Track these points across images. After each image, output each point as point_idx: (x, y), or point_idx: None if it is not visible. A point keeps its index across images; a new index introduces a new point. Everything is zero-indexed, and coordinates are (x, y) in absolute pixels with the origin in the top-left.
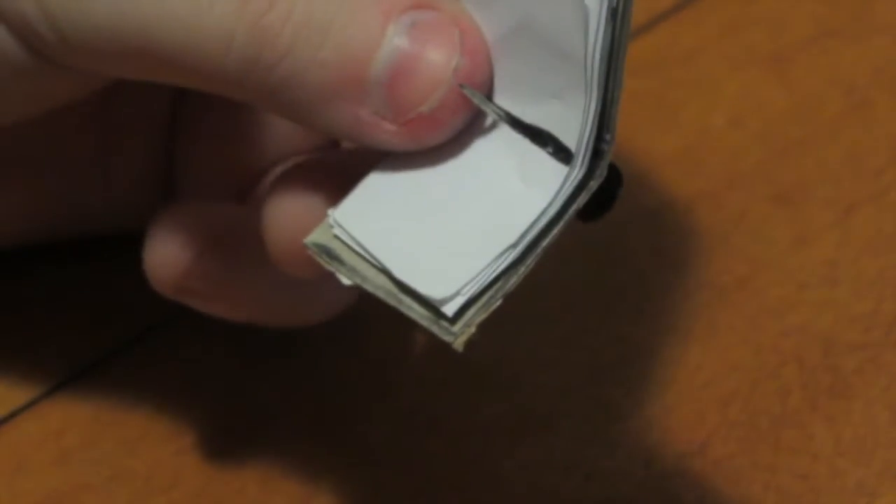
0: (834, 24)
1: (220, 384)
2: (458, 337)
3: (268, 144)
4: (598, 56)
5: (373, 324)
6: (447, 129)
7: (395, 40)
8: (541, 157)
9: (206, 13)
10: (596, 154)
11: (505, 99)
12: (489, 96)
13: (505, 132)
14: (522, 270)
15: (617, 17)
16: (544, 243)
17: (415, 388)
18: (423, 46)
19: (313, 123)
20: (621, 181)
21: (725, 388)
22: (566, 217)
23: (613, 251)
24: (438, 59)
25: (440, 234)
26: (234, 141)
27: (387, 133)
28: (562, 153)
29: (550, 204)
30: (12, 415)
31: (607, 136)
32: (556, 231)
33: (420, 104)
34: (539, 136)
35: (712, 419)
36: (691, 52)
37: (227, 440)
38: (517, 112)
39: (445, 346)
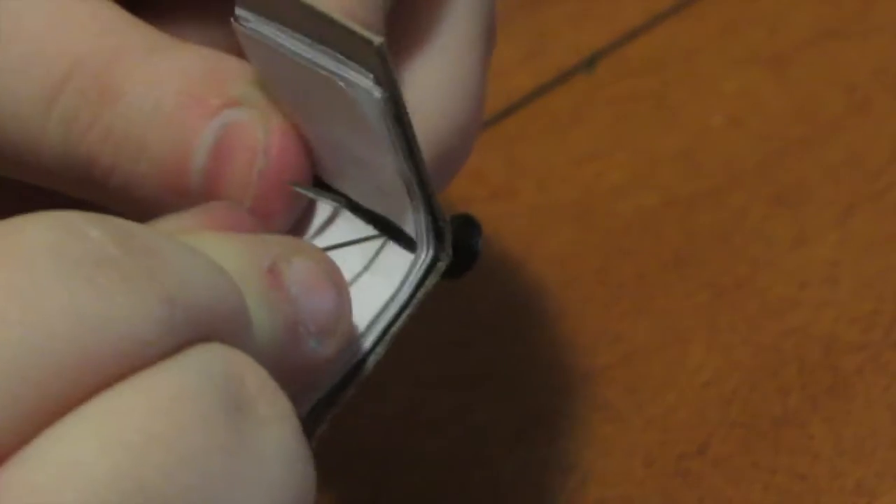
0: (834, 24)
1: None
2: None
3: None
4: (402, 158)
5: None
6: (273, 226)
7: (207, 142)
8: (382, 245)
9: (38, 138)
10: (437, 236)
11: (348, 190)
12: (332, 185)
13: (347, 221)
14: (373, 359)
15: (402, 120)
16: (394, 330)
17: (414, 388)
18: (229, 152)
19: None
20: (479, 231)
21: (725, 388)
22: (415, 302)
23: (613, 251)
24: (240, 164)
25: None
26: None
27: None
28: (403, 240)
29: (399, 290)
30: None
31: (441, 222)
32: (405, 316)
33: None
34: (377, 222)
35: (712, 419)
36: (691, 52)
37: None
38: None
39: (444, 346)
